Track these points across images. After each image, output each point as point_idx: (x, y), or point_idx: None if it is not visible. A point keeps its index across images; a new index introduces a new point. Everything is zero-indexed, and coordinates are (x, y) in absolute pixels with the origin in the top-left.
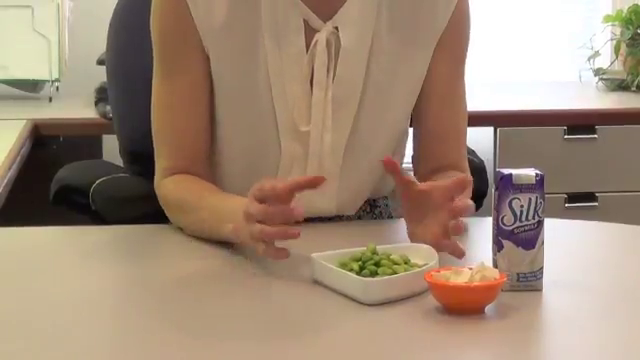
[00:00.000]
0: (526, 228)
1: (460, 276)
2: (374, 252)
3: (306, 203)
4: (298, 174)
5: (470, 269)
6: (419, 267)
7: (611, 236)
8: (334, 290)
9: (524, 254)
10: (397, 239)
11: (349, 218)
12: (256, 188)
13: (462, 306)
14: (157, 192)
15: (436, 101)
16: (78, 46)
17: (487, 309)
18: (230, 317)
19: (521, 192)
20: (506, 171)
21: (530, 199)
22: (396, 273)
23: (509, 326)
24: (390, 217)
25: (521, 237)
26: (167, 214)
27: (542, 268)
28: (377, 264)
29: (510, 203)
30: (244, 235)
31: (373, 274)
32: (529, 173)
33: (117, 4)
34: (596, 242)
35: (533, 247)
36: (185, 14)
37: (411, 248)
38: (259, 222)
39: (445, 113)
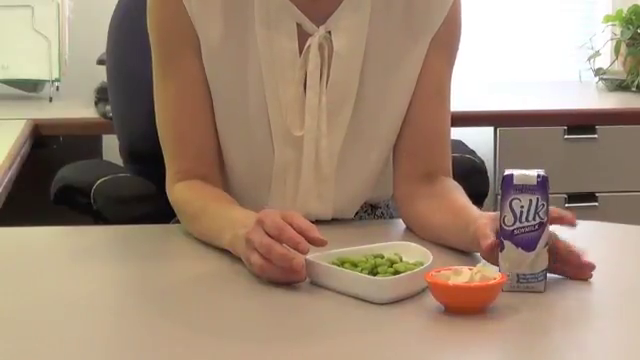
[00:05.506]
0: (526, 229)
1: (460, 276)
2: (367, 254)
3: (303, 208)
4: (293, 179)
5: (470, 269)
6: (413, 265)
7: (611, 236)
8: (337, 291)
9: (524, 255)
10: (393, 239)
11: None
12: (266, 219)
13: (462, 306)
14: (169, 198)
15: (427, 101)
16: (78, 46)
17: (487, 309)
18: (231, 317)
19: (522, 193)
20: (508, 171)
21: (531, 200)
22: (397, 271)
23: (509, 326)
24: (391, 218)
25: (521, 238)
26: (180, 219)
27: (544, 270)
28: (375, 264)
29: (511, 203)
30: (239, 253)
31: (373, 273)
32: (530, 174)
33: (117, 5)
34: (596, 242)
35: (534, 249)
36: (183, 15)
37: (399, 246)
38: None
39: (435, 114)
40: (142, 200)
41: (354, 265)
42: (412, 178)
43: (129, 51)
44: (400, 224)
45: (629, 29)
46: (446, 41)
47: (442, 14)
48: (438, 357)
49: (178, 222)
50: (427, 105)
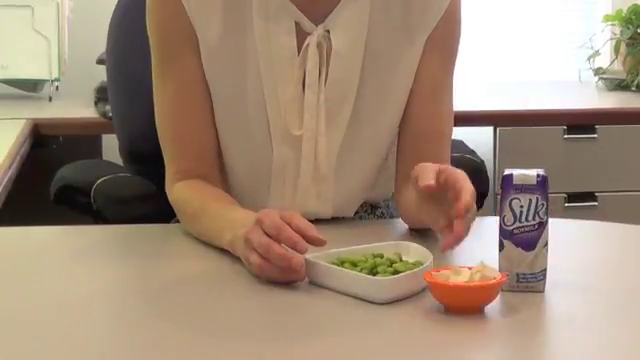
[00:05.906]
0: (526, 229)
1: (460, 276)
2: (366, 253)
3: (302, 207)
4: (292, 178)
5: (470, 269)
6: (412, 265)
7: (611, 236)
8: (337, 290)
9: (524, 255)
10: (393, 239)
11: (348, 221)
12: (265, 218)
13: (462, 306)
14: (168, 197)
15: (425, 100)
16: (78, 46)
17: (487, 309)
18: (231, 317)
19: (521, 192)
20: (508, 171)
21: (530, 200)
22: (397, 271)
23: (509, 326)
24: (391, 218)
25: (521, 238)
26: (179, 219)
27: (544, 270)
28: (374, 264)
29: (510, 203)
30: (239, 253)
31: (373, 273)
32: (530, 174)
33: (117, 5)
34: (596, 242)
35: (533, 248)
36: (182, 15)
37: (399, 246)
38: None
39: (433, 113)
40: (142, 200)
41: (354, 265)
42: (407, 177)
43: (129, 51)
44: (400, 224)
45: (629, 29)
46: (443, 40)
47: (439, 13)
48: (438, 357)
49: (178, 222)
50: (422, 104)
